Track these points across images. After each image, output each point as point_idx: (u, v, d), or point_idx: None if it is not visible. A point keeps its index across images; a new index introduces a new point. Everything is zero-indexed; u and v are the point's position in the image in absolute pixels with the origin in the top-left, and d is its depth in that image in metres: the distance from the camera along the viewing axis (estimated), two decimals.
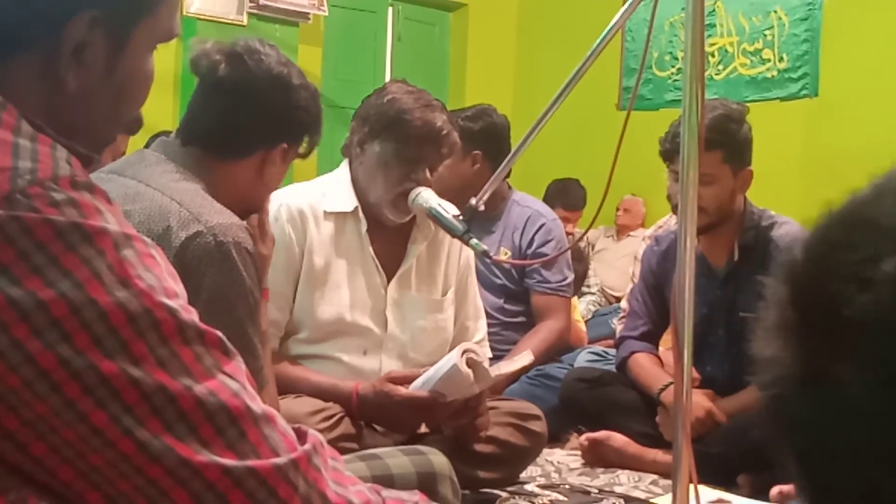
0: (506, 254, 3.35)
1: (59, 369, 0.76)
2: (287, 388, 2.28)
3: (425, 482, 1.96)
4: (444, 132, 2.38)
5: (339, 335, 2.38)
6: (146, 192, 1.63)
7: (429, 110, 2.37)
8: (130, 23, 0.93)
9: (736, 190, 2.89)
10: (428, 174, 2.37)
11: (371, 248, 2.41)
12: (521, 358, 2.40)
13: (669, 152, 2.92)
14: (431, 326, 2.49)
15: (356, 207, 2.40)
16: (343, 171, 2.47)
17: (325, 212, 2.39)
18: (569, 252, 3.50)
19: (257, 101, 1.75)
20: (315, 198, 2.41)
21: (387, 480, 1.93)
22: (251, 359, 1.65)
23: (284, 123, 1.79)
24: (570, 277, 3.44)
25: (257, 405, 0.85)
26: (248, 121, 1.76)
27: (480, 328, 2.63)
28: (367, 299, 2.41)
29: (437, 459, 2.01)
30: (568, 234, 5.35)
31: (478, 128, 3.43)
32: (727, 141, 2.77)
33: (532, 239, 3.37)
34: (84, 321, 0.77)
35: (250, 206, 1.84)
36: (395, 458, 1.98)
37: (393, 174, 2.36)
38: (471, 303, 2.62)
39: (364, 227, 2.40)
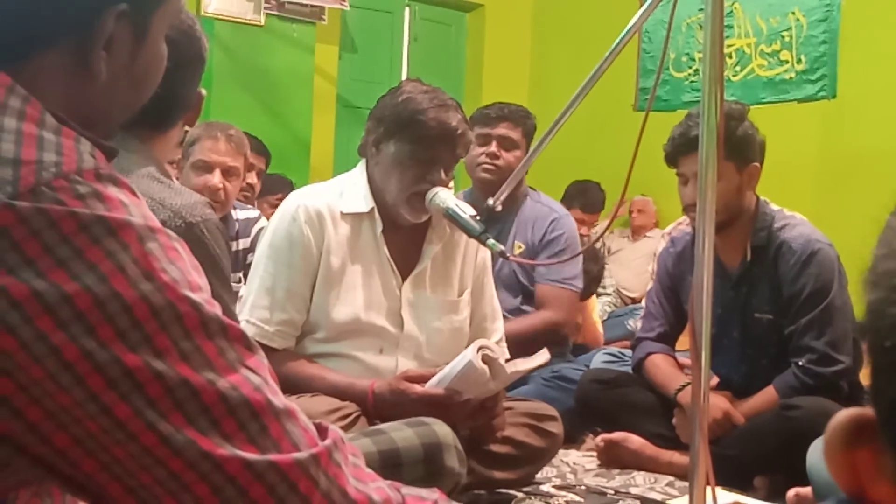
0: (519, 248, 3.37)
1: (82, 361, 0.76)
2: (303, 386, 2.28)
3: (431, 453, 1.96)
4: (460, 132, 2.37)
5: (355, 335, 2.38)
6: None
7: (443, 110, 2.36)
8: (150, 12, 0.95)
9: (742, 186, 2.89)
10: (443, 174, 2.37)
11: (386, 249, 2.41)
12: (538, 356, 2.40)
13: (671, 155, 2.93)
14: (447, 327, 2.49)
15: (372, 208, 2.41)
16: (360, 171, 2.47)
17: (341, 213, 2.40)
18: (578, 246, 3.49)
19: (186, 64, 1.69)
20: (332, 198, 2.41)
21: (393, 454, 1.93)
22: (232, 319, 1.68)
23: (201, 71, 1.77)
24: (577, 272, 3.42)
25: (279, 400, 0.85)
26: (184, 85, 1.72)
27: (498, 329, 2.63)
28: (383, 300, 2.41)
29: (442, 430, 2.01)
30: (583, 236, 5.35)
31: (531, 122, 3.54)
32: (725, 137, 2.77)
33: (544, 232, 3.40)
34: (108, 314, 0.77)
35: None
36: (400, 431, 1.98)
37: (408, 174, 2.35)
38: (487, 304, 2.61)
39: (380, 227, 2.40)
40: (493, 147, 3.41)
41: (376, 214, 2.40)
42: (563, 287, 3.36)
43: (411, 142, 2.35)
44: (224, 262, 1.68)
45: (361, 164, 2.48)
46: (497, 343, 2.54)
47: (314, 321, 2.37)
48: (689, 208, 2.89)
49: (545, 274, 3.37)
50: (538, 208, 3.45)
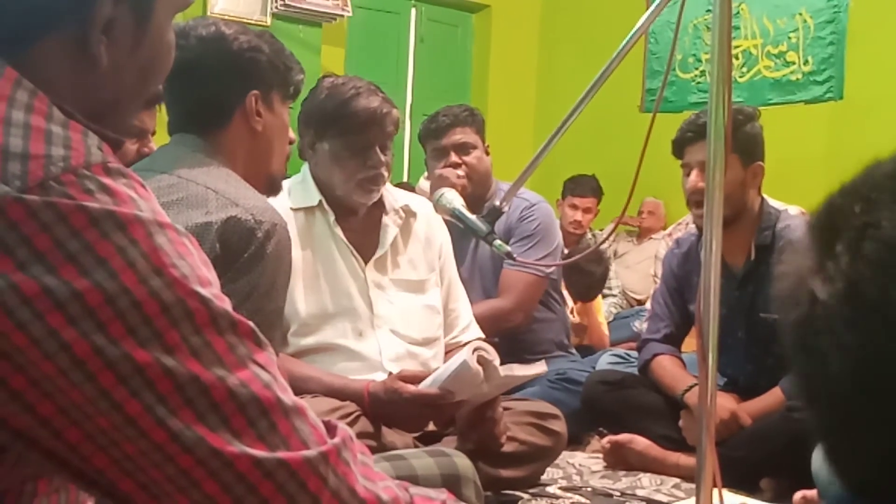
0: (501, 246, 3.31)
1: (94, 358, 0.76)
2: (298, 388, 2.27)
3: (449, 484, 1.96)
4: (385, 111, 2.44)
5: (329, 322, 2.41)
6: (179, 183, 1.67)
7: (364, 96, 2.43)
8: None
9: (747, 182, 2.89)
10: (381, 155, 2.44)
11: (343, 235, 2.47)
12: (535, 366, 2.41)
13: (678, 144, 2.95)
14: (417, 305, 2.52)
15: (320, 200, 2.48)
16: (305, 171, 2.55)
17: (290, 208, 2.45)
18: (555, 233, 3.38)
19: (199, 68, 1.74)
20: (281, 197, 2.45)
21: (411, 481, 1.93)
22: (278, 332, 1.75)
23: (237, 73, 1.79)
24: (543, 255, 3.27)
25: (288, 397, 0.85)
26: (202, 90, 1.76)
27: (465, 312, 2.66)
28: (350, 283, 2.45)
29: (462, 462, 2.02)
30: (577, 221, 5.33)
31: (478, 117, 3.44)
32: (733, 131, 2.79)
33: (516, 219, 3.31)
34: (118, 311, 0.77)
35: (270, 168, 1.86)
36: (420, 459, 1.98)
37: (349, 166, 2.43)
38: (453, 287, 2.66)
39: (332, 216, 2.47)
40: (452, 157, 3.27)
41: (325, 205, 2.47)
42: (522, 270, 3.21)
43: (342, 135, 2.43)
44: (289, 270, 1.72)
45: (305, 165, 2.56)
46: (467, 326, 2.62)
47: (287, 316, 2.39)
48: (691, 199, 2.90)
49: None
50: (512, 200, 3.33)
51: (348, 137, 2.42)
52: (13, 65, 0.85)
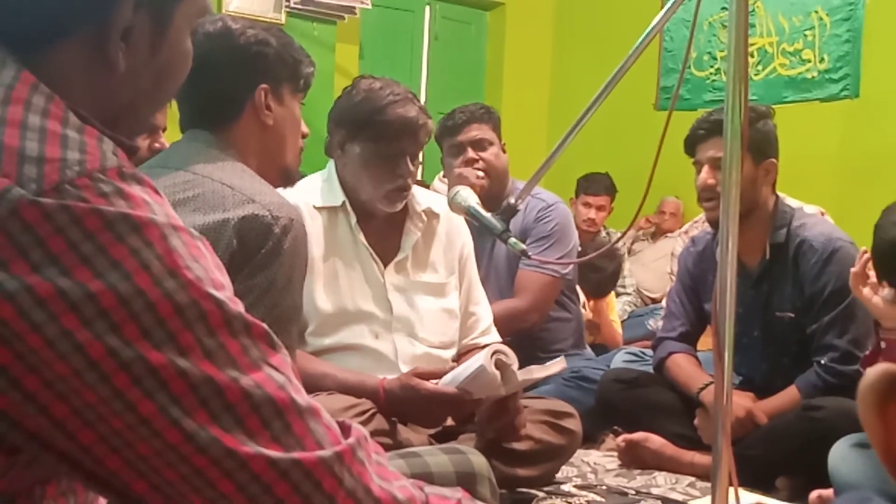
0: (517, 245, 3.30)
1: (107, 359, 0.77)
2: (313, 385, 2.27)
3: (464, 482, 1.96)
4: (420, 122, 2.42)
5: (346, 323, 2.41)
6: (195, 179, 1.67)
7: (400, 105, 2.40)
8: (171, 5, 0.95)
9: (758, 180, 2.87)
10: (410, 165, 2.43)
11: (363, 238, 2.46)
12: (553, 365, 2.40)
13: (690, 141, 2.94)
14: (435, 308, 2.52)
15: (344, 202, 2.46)
16: (330, 168, 2.53)
17: (314, 206, 2.44)
18: (571, 234, 3.38)
19: (207, 64, 1.71)
20: (305, 194, 2.46)
21: (426, 478, 1.92)
22: (295, 327, 1.73)
23: (245, 68, 1.79)
24: (559, 256, 3.28)
25: (302, 398, 0.85)
26: (211, 86, 1.76)
27: (485, 315, 2.66)
28: (367, 286, 2.45)
29: (477, 460, 2.02)
30: (591, 219, 5.31)
31: (495, 115, 3.43)
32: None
33: (533, 219, 3.31)
34: (132, 312, 0.77)
35: (284, 161, 1.85)
36: (435, 456, 1.98)
37: (378, 173, 2.41)
38: (473, 289, 2.65)
39: (353, 219, 2.46)
40: (469, 153, 3.28)
41: (348, 207, 2.46)
42: (538, 271, 3.23)
43: (374, 140, 2.40)
44: (304, 265, 1.72)
45: (331, 162, 2.53)
46: (486, 330, 2.61)
47: (306, 314, 2.39)
48: (702, 195, 2.89)
49: (526, 259, 3.30)
50: (529, 200, 3.29)
51: (380, 144, 2.40)
52: (30, 68, 0.85)
